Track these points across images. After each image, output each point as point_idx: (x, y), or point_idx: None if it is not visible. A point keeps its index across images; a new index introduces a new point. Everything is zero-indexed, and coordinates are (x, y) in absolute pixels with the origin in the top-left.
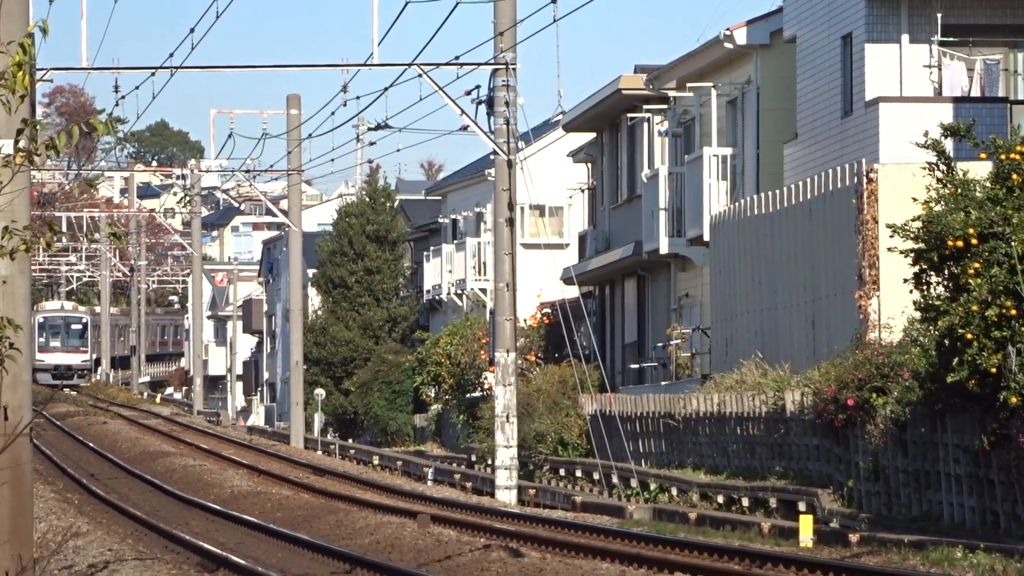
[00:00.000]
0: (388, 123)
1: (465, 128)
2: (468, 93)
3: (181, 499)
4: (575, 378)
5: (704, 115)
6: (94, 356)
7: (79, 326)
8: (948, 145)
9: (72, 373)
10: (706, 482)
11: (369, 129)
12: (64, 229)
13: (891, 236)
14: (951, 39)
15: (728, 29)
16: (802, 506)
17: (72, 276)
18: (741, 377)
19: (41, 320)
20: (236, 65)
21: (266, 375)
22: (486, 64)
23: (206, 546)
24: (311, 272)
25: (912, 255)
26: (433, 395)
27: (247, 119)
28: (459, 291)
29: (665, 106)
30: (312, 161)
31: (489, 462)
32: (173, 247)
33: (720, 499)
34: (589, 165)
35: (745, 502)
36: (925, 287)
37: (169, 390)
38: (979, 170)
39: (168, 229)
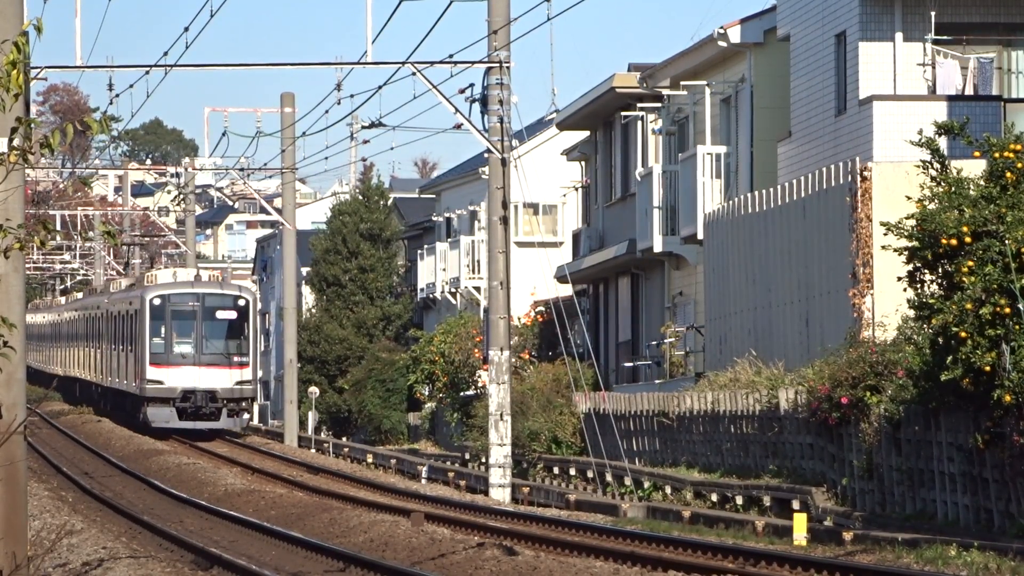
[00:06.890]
0: (382, 121)
1: (459, 126)
2: (462, 91)
3: (175, 497)
4: (569, 376)
5: (698, 113)
6: (258, 373)
7: (232, 313)
8: (942, 143)
9: (217, 408)
10: (700, 480)
11: (363, 127)
12: (58, 227)
13: (885, 234)
14: (945, 37)
15: (722, 27)
16: (796, 504)
17: (66, 274)
18: (735, 375)
19: (157, 302)
20: (230, 63)
21: (259, 373)
22: (480, 62)
23: (200, 544)
24: (305, 270)
25: (906, 253)
26: (427, 393)
27: (241, 117)
28: (453, 289)
29: (659, 104)
30: (306, 159)
31: (483, 460)
32: (167, 245)
33: (714, 497)
34: (583, 163)
35: (739, 500)
36: (919, 285)
37: None
38: (973, 168)
39: (162, 227)
